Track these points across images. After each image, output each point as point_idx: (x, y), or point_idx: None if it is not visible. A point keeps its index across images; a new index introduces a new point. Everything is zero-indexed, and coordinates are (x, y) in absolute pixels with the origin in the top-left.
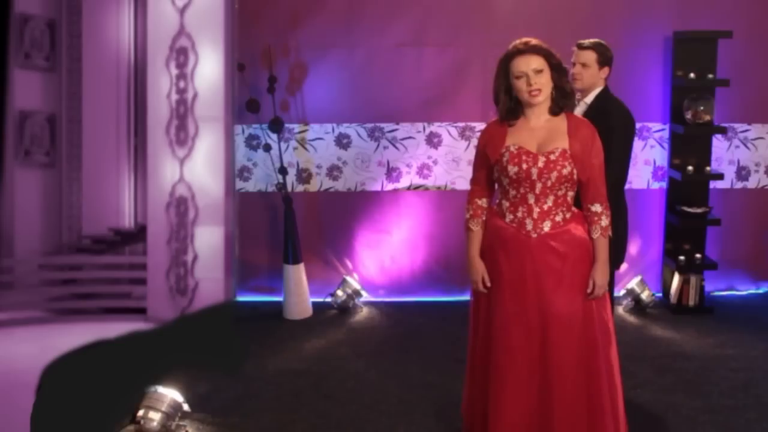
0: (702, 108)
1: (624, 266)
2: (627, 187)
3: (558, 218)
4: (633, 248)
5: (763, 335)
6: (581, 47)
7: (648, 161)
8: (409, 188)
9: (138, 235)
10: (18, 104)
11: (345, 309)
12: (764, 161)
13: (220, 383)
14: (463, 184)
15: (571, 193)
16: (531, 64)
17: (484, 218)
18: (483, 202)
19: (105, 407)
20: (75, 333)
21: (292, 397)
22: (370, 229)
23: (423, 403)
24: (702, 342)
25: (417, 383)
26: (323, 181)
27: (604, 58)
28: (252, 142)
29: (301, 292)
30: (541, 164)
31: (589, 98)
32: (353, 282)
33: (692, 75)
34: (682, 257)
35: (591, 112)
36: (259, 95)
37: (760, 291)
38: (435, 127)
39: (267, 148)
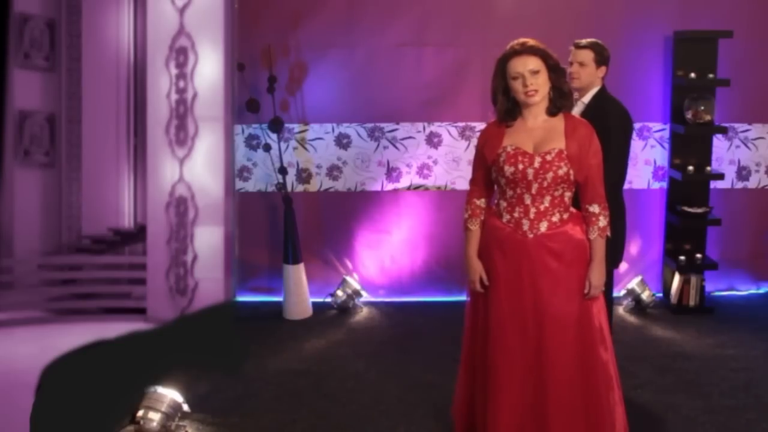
0: (702, 108)
1: (624, 266)
2: (627, 187)
3: (555, 219)
4: (633, 248)
5: (764, 335)
6: (578, 46)
7: (648, 161)
8: (409, 188)
9: (138, 235)
10: (17, 104)
11: (345, 309)
12: (765, 161)
13: (220, 383)
14: (463, 184)
15: (568, 194)
16: (528, 64)
17: (482, 218)
18: (481, 202)
19: (105, 407)
20: (75, 333)
21: (292, 397)
22: (370, 229)
23: (423, 403)
24: (702, 342)
25: (417, 383)
26: (323, 181)
27: (601, 58)
28: (252, 142)
29: (300, 292)
30: (537, 165)
31: (587, 98)
32: (353, 282)
33: (693, 75)
34: (682, 257)
35: (589, 112)
36: (259, 95)
37: (761, 291)
38: (435, 127)
39: (267, 148)
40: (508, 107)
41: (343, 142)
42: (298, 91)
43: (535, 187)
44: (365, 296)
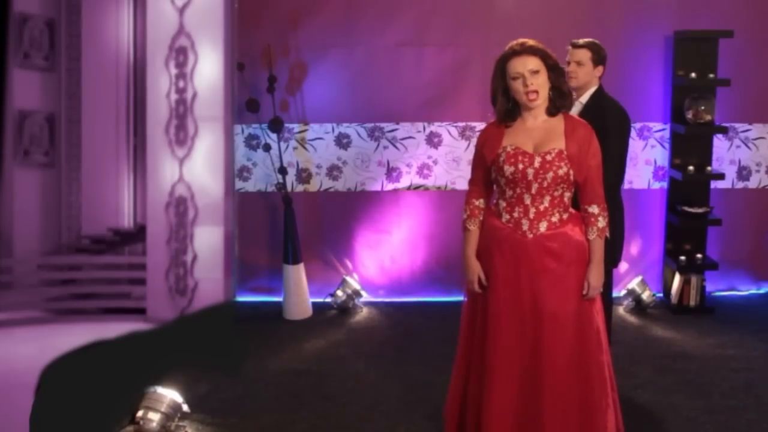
0: (703, 108)
1: (624, 266)
2: (628, 187)
3: (554, 219)
4: (634, 248)
5: (764, 335)
6: (575, 46)
7: (649, 161)
8: (409, 188)
9: (137, 235)
10: (17, 104)
11: (345, 309)
12: (765, 161)
13: (220, 383)
14: (464, 184)
15: (568, 194)
16: (527, 65)
17: (481, 218)
18: (480, 202)
19: (104, 408)
20: (74, 333)
21: (292, 397)
22: (370, 229)
23: (423, 403)
24: (703, 342)
25: (417, 383)
26: (323, 181)
27: (599, 57)
28: (252, 142)
29: (300, 292)
30: (537, 165)
31: (584, 98)
32: (353, 282)
33: (693, 74)
34: (682, 257)
35: (586, 112)
36: (258, 95)
37: (761, 291)
38: (435, 127)
39: (267, 147)
40: (507, 107)
41: (343, 142)
42: (297, 91)
43: (534, 187)
44: (365, 296)
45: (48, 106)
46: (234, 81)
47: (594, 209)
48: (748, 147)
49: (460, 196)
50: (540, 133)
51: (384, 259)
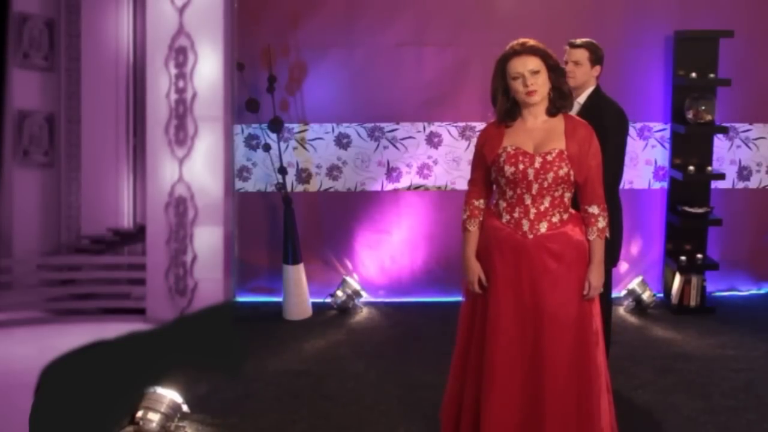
0: (703, 108)
1: (624, 266)
2: (628, 187)
3: (555, 219)
4: (634, 248)
5: (765, 336)
6: (573, 46)
7: (649, 161)
8: (409, 188)
9: (137, 235)
10: (17, 104)
11: (345, 309)
12: (766, 161)
13: (220, 384)
14: (464, 184)
15: (568, 195)
16: (527, 65)
17: (481, 219)
18: (480, 202)
19: (104, 408)
20: (74, 333)
21: (292, 397)
22: (370, 229)
23: (423, 403)
24: (703, 342)
25: (417, 383)
26: (323, 181)
27: (596, 57)
28: (251, 142)
29: (300, 292)
30: (537, 165)
31: (582, 98)
32: (353, 282)
33: (693, 74)
34: (683, 257)
35: (584, 112)
36: (258, 95)
37: (762, 291)
38: (435, 127)
39: (266, 147)
40: (507, 107)
41: (343, 142)
42: (297, 91)
43: (535, 187)
44: (365, 296)
45: (47, 106)
46: (234, 81)
47: (594, 209)
48: (749, 147)
49: (460, 197)
50: (540, 133)
51: (384, 259)
